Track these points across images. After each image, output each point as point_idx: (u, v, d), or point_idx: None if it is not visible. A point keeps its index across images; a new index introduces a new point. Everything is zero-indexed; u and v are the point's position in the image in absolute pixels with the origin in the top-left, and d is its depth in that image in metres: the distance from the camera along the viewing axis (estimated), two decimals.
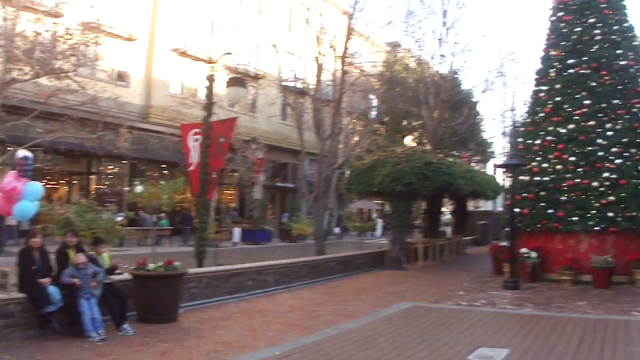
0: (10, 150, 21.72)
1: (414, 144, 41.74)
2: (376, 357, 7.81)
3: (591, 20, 18.02)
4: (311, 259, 18.25)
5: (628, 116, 16.79)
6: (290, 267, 16.29)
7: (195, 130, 15.15)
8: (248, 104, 39.23)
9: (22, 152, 9.86)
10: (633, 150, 16.36)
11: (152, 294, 10.13)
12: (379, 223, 46.89)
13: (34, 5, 21.57)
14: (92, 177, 30.74)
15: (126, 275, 10.64)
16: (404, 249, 21.31)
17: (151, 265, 10.28)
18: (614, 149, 16.39)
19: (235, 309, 11.92)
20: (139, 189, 16.11)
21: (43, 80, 20.98)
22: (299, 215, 28.98)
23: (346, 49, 22.50)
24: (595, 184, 16.18)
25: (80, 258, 9.13)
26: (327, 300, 13.32)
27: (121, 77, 31.57)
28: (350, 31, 22.55)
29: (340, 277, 18.34)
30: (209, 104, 14.39)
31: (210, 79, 14.63)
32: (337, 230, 41.88)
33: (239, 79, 15.14)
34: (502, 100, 44.05)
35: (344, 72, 22.65)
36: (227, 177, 35.54)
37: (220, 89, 18.16)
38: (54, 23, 21.81)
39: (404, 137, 46.12)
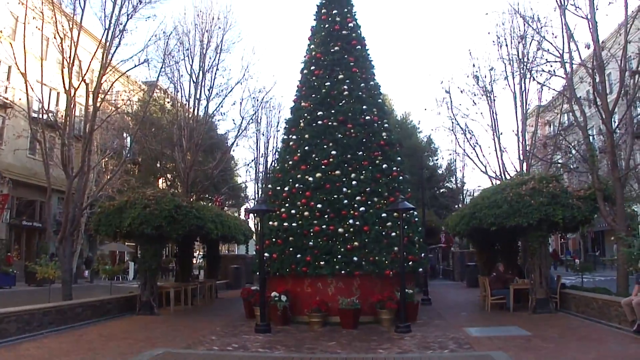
0: None
1: (167, 186, 41.35)
2: None
3: (340, 77, 19.33)
4: (57, 304, 17.03)
5: (371, 167, 18.11)
6: (34, 313, 15.10)
7: None
8: None
9: None
10: (375, 199, 17.62)
11: None
12: (132, 266, 45.44)
13: None
14: None
15: None
16: (155, 293, 20.82)
17: None
18: (358, 198, 17.52)
19: None
20: None
21: None
22: (44, 257, 27.14)
23: (100, 84, 21.75)
24: (340, 230, 17.10)
25: None
26: (73, 349, 12.56)
27: None
28: (105, 66, 21.83)
29: (89, 323, 17.39)
30: None
31: None
32: (86, 273, 39.97)
33: None
34: (256, 147, 45.44)
35: (96, 108, 21.82)
36: None
37: None
38: None
39: (158, 178, 45.52)
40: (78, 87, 21.46)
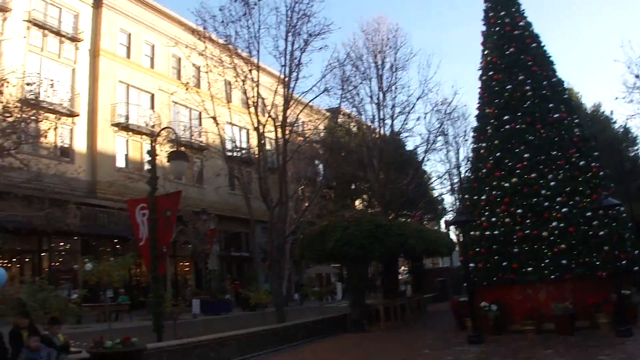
0: None
1: (364, 207, 42.14)
2: None
3: (520, 78, 18.83)
4: (272, 327, 18.10)
5: (568, 166, 17.40)
6: (252, 336, 16.14)
7: (142, 205, 15.07)
8: (194, 175, 39.30)
9: None
10: (577, 199, 16.87)
11: None
12: (339, 286, 46.64)
13: None
14: (44, 254, 30.15)
15: (85, 354, 10.33)
16: (365, 311, 21.33)
17: (108, 343, 9.98)
18: (558, 199, 16.89)
19: None
20: (88, 266, 15.86)
21: None
22: (255, 284, 28.83)
23: (285, 117, 22.84)
24: (545, 233, 16.58)
25: (32, 343, 8.89)
26: None
27: (65, 153, 31.60)
28: (288, 100, 22.90)
29: (303, 343, 18.19)
30: (153, 179, 14.37)
31: (152, 153, 14.63)
32: (296, 296, 41.57)
33: (180, 153, 15.14)
34: (447, 158, 45.17)
35: (286, 141, 22.88)
36: (181, 249, 35.33)
37: (165, 161, 18.23)
38: None
39: (354, 200, 46.56)
40: (265, 123, 22.69)
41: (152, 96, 37.51)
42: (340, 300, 41.25)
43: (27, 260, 30.08)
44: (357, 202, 46.89)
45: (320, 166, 40.99)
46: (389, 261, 26.45)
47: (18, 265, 29.39)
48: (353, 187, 44.99)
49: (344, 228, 20.35)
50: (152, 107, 37.42)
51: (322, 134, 37.68)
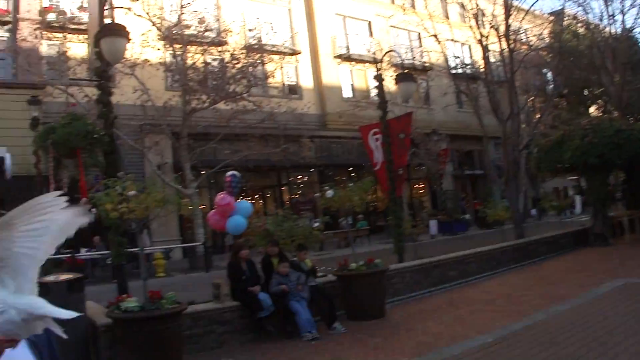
0: (203, 174, 23.49)
1: (600, 113, 39.57)
2: (596, 337, 7.48)
3: None
4: (512, 243, 17.71)
5: None
6: (492, 253, 15.88)
7: (374, 130, 15.46)
8: (421, 97, 39.37)
9: (230, 172, 10.61)
10: None
11: (357, 292, 10.31)
12: (578, 200, 44.51)
13: (198, 39, 23.31)
14: (284, 188, 32.65)
15: (330, 277, 11.01)
16: (607, 224, 20.21)
17: (353, 265, 10.50)
18: None
19: (440, 300, 11.84)
20: (329, 193, 16.64)
21: (221, 106, 22.81)
22: (492, 200, 28.39)
23: (508, 26, 21.91)
24: None
25: (282, 269, 9.57)
26: (533, 284, 12.88)
27: (293, 90, 33.33)
28: (508, 8, 21.95)
29: (543, 259, 17.53)
30: (382, 103, 14.60)
31: (379, 78, 14.88)
32: (533, 212, 40.51)
33: (407, 74, 15.22)
34: None
35: (511, 51, 22.00)
36: (414, 171, 35.93)
37: (390, 86, 18.38)
38: (220, 51, 23.53)
39: (588, 107, 43.92)
40: (488, 35, 21.98)
41: (369, 24, 37.80)
42: (579, 214, 39.35)
43: (268, 195, 32.81)
44: (592, 109, 44.11)
45: (549, 74, 39.01)
46: (632, 170, 24.64)
47: (261, 201, 32.03)
48: (586, 93, 42.24)
49: (581, 136, 19.19)
50: (371, 34, 37.71)
51: (547, 40, 35.71)
